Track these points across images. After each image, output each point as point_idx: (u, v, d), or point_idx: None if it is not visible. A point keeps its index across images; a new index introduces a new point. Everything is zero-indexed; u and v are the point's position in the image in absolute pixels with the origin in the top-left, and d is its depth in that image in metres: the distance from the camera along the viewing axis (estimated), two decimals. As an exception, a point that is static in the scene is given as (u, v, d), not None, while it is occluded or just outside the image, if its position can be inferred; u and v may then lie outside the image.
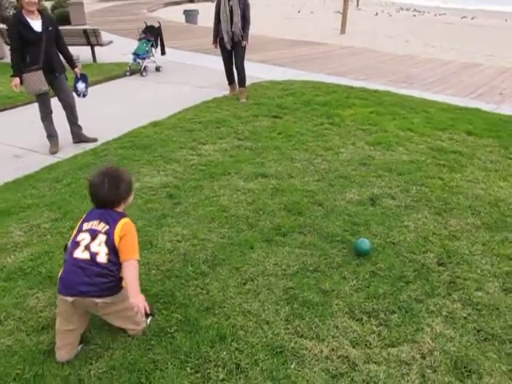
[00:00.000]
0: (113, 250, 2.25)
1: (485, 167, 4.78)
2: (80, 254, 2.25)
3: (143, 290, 2.73)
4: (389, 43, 15.37)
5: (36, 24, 4.87)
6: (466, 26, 24.87)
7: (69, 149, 5.40)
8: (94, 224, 2.32)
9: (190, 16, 19.76)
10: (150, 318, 2.52)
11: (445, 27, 23.37)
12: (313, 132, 5.69)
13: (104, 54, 10.80)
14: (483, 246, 3.35)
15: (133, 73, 9.30)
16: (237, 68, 7.34)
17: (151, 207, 3.82)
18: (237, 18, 6.90)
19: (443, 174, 4.55)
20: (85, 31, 10.39)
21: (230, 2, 6.87)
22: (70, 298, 2.23)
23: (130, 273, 2.22)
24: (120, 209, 2.43)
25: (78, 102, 5.54)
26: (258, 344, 2.37)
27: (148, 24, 9.84)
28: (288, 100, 7.12)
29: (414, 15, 31.16)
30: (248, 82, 7.48)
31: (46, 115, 5.30)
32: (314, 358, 2.30)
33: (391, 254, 3.18)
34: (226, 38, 7.01)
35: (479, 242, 3.40)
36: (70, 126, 5.56)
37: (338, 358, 2.30)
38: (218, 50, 7.41)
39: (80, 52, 9.48)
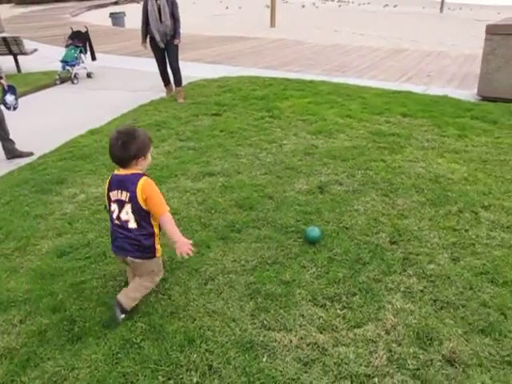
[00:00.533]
0: (139, 214, 2.52)
1: (422, 146, 4.99)
2: (116, 221, 2.58)
3: (103, 303, 2.68)
4: (318, 34, 15.70)
5: None
6: (389, 13, 25.80)
7: (2, 165, 5.11)
8: (118, 194, 2.54)
9: (117, 19, 19.27)
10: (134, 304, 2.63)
11: (369, 16, 24.15)
12: (254, 126, 5.72)
13: (29, 63, 10.33)
14: (430, 221, 3.51)
15: (63, 81, 8.96)
16: (172, 68, 7.24)
17: (100, 217, 3.71)
18: (166, 17, 6.81)
19: (385, 156, 4.71)
20: (4, 39, 9.84)
21: (158, 2, 6.76)
22: (112, 254, 2.76)
23: (168, 224, 2.56)
24: (136, 169, 2.56)
25: (8, 115, 5.28)
26: (227, 342, 2.36)
27: (74, 29, 9.50)
28: (226, 97, 7.12)
29: (340, 5, 31.97)
30: (184, 82, 7.42)
31: None
32: (284, 348, 2.32)
33: (345, 239, 3.26)
34: (157, 37, 6.90)
35: (426, 218, 3.55)
36: (2, 142, 5.28)
37: (308, 345, 2.34)
38: (150, 52, 7.28)
39: (1, 62, 9.01)
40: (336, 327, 2.45)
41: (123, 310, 2.54)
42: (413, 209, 3.69)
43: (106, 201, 2.64)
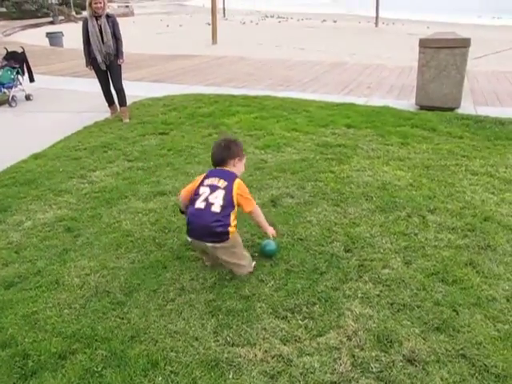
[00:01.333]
0: (228, 202, 2.89)
1: (368, 156, 5.16)
2: (198, 204, 2.89)
3: (59, 333, 2.58)
4: (260, 50, 15.97)
5: None
6: (328, 28, 26.62)
7: None
8: (215, 181, 2.95)
9: (54, 38, 18.82)
10: (254, 263, 3.09)
11: (309, 31, 24.83)
12: (202, 144, 5.71)
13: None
14: (381, 228, 3.62)
15: (0, 104, 8.62)
16: (116, 88, 7.13)
17: (50, 244, 3.57)
18: (107, 37, 6.72)
19: (333, 167, 4.83)
20: None
21: (99, 22, 6.67)
22: (189, 239, 3.02)
23: (258, 216, 3.13)
24: (233, 169, 3.08)
25: None
26: (191, 362, 2.32)
27: (9, 50, 9.17)
28: (172, 115, 7.08)
29: (279, 21, 32.68)
30: (129, 102, 7.32)
31: None
32: (249, 363, 2.31)
33: (301, 250, 3.31)
34: (99, 59, 6.79)
35: (377, 225, 3.66)
36: None
37: (273, 358, 2.34)
38: (91, 73, 7.15)
39: None
40: (299, 338, 2.48)
41: None
42: (364, 216, 3.80)
43: (194, 187, 3.01)
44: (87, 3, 6.66)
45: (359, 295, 2.82)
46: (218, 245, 2.90)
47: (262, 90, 8.76)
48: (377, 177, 4.58)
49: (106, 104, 7.41)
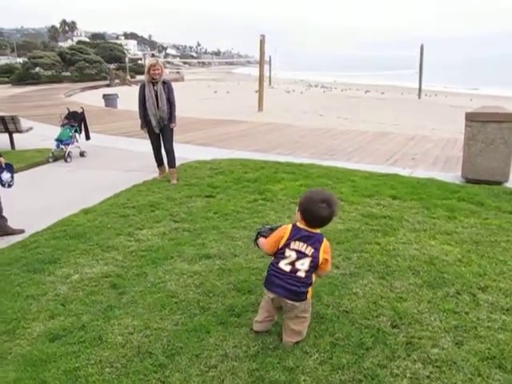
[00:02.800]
0: (313, 269, 2.91)
1: (414, 228, 5.08)
2: (283, 266, 2.90)
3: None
4: (305, 118, 16.39)
5: None
6: (371, 99, 27.15)
7: (-9, 243, 5.04)
8: (302, 247, 2.88)
9: (110, 100, 20.03)
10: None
11: (352, 101, 25.38)
12: (248, 209, 5.78)
13: (23, 141, 10.53)
14: (429, 304, 3.50)
15: (56, 159, 9.09)
16: (166, 150, 7.42)
17: (95, 299, 3.63)
18: (162, 103, 7.09)
19: (378, 238, 4.77)
20: (2, 118, 10.12)
21: (155, 87, 7.06)
22: (271, 295, 2.97)
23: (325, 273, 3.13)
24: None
25: (2, 192, 5.29)
26: None
27: (71, 110, 9.81)
28: (218, 179, 7.24)
29: (324, 91, 33.64)
30: (177, 163, 7.57)
31: None
32: None
33: (346, 323, 3.22)
34: (154, 123, 7.13)
35: (424, 300, 3.55)
36: None
37: None
38: (142, 133, 7.51)
39: (-2, 141, 9.21)
40: (345, 418, 2.37)
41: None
42: (411, 291, 3.70)
43: (280, 244, 2.94)
44: (146, 69, 7.10)
45: (408, 375, 2.69)
46: (297, 303, 2.93)
47: (307, 157, 8.90)
48: (423, 250, 4.48)
49: (155, 164, 7.68)
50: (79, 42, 61.91)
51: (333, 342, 3.01)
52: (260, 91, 18.67)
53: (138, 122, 7.35)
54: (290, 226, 2.96)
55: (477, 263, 4.21)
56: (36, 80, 39.43)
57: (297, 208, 2.99)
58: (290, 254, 2.89)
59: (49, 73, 43.24)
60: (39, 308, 3.54)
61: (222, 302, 3.51)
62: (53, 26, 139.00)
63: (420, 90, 29.53)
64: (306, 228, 2.92)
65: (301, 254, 2.87)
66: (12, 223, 5.33)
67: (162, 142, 7.42)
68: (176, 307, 3.46)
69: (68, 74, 44.49)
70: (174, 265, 4.20)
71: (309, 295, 2.97)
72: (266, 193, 6.39)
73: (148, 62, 7.38)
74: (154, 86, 7.05)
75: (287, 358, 2.84)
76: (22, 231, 5.31)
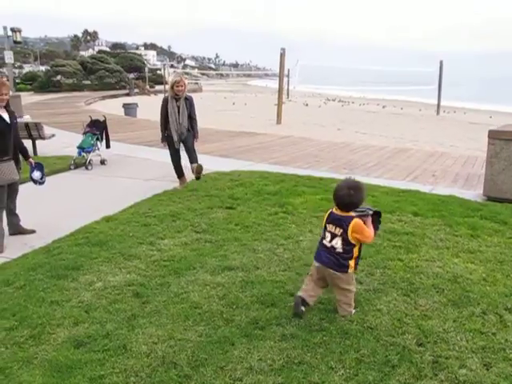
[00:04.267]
0: (347, 244, 3.38)
1: (437, 246, 5.04)
2: (326, 242, 3.47)
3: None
4: (323, 132, 16.40)
5: (5, 116, 5.08)
6: (389, 114, 27.09)
7: (15, 247, 5.09)
8: (332, 228, 3.43)
9: (130, 109, 20.29)
10: (354, 311, 3.52)
11: (370, 115, 25.33)
12: (269, 221, 5.77)
13: (45, 147, 10.71)
14: (454, 323, 3.46)
15: (77, 166, 9.21)
16: (188, 149, 7.51)
17: (119, 308, 3.65)
18: (184, 119, 7.20)
19: (401, 255, 4.73)
20: (26, 124, 10.32)
21: (177, 103, 7.17)
22: (316, 264, 3.50)
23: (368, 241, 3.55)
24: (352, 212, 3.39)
25: (25, 198, 5.41)
26: None
27: (93, 118, 9.95)
28: (238, 190, 7.25)
29: (342, 105, 33.63)
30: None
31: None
32: None
33: (371, 340, 3.20)
34: (175, 137, 7.24)
35: (450, 319, 3.50)
36: (8, 217, 5.37)
37: None
38: (160, 143, 7.62)
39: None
40: None
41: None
42: (435, 309, 3.66)
43: (322, 225, 3.56)
44: (170, 85, 7.24)
45: (436, 396, 2.66)
46: (338, 273, 3.42)
47: (326, 171, 8.89)
48: (447, 268, 4.43)
49: (175, 174, 7.74)
50: (100, 52, 63.01)
51: (358, 358, 2.98)
52: (279, 104, 18.75)
53: (157, 131, 7.46)
54: (329, 210, 3.52)
55: (502, 283, 4.15)
56: (57, 88, 40.14)
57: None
58: (327, 234, 3.47)
59: (70, 81, 44.03)
60: (63, 314, 3.57)
61: (245, 315, 3.51)
62: (75, 36, 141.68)
63: (439, 106, 29.37)
64: (337, 212, 3.43)
65: (333, 235, 3.42)
66: (35, 229, 5.43)
67: (180, 155, 7.53)
68: (200, 318, 3.47)
69: (88, 82, 45.24)
70: (196, 275, 4.21)
71: (350, 269, 3.44)
72: (286, 206, 6.38)
73: (172, 78, 7.52)
74: (176, 101, 7.16)
75: (312, 373, 2.82)
76: (33, 231, 5.49)
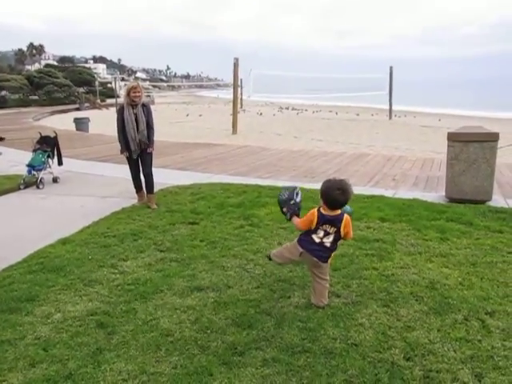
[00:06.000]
0: (336, 241, 3.75)
1: (409, 252, 4.96)
2: (315, 238, 3.71)
3: None
4: (280, 140, 16.35)
5: None
6: (342, 120, 27.49)
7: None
8: (327, 228, 3.67)
9: (81, 124, 19.61)
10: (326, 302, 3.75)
11: (324, 122, 25.61)
12: (235, 236, 5.53)
13: (-11, 167, 10.06)
14: (439, 333, 3.34)
15: (27, 186, 8.64)
16: (145, 175, 7.16)
17: (81, 341, 3.31)
18: (142, 126, 6.85)
19: (375, 263, 4.61)
20: (-31, 144, 9.67)
21: (134, 110, 6.82)
22: (301, 249, 3.77)
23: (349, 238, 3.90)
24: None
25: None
26: None
27: (43, 134, 9.43)
28: (200, 204, 6.98)
29: (297, 113, 33.89)
30: (155, 189, 7.31)
31: None
32: None
33: (358, 358, 3.02)
34: (132, 147, 6.88)
35: (434, 329, 3.39)
36: None
37: None
38: (116, 158, 7.26)
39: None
40: None
41: None
42: (418, 319, 3.54)
43: (314, 223, 3.68)
44: (125, 92, 6.87)
45: (433, 416, 2.50)
46: (320, 262, 3.73)
47: (287, 180, 8.73)
48: (423, 275, 4.35)
49: (132, 190, 7.39)
50: (47, 66, 60.86)
51: (347, 379, 2.80)
52: (234, 114, 18.60)
53: (111, 146, 7.12)
54: (316, 211, 3.67)
55: (478, 286, 4.10)
56: (2, 104, 38.41)
57: (319, 196, 3.72)
58: (320, 232, 3.69)
59: (16, 96, 42.22)
60: (17, 355, 3.18)
61: (221, 340, 3.25)
62: (20, 49, 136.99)
63: (390, 111, 30.07)
64: (328, 213, 3.65)
65: (326, 233, 3.68)
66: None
67: (140, 166, 7.17)
68: (172, 347, 3.18)
69: (36, 97, 43.57)
70: (164, 299, 3.92)
71: (330, 259, 3.83)
72: (251, 218, 6.17)
73: (128, 84, 7.15)
74: (133, 108, 6.81)
75: (300, 401, 2.61)
76: None
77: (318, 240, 3.71)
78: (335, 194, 3.57)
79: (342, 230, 3.68)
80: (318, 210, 3.69)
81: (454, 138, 7.33)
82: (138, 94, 6.75)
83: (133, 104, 6.79)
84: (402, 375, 2.84)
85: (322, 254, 3.73)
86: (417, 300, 3.84)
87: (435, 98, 63.73)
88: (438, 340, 3.24)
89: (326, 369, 2.90)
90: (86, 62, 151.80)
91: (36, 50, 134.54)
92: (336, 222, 3.66)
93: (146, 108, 6.94)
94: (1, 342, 3.33)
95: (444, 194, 7.49)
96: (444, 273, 4.39)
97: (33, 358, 3.14)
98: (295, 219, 3.88)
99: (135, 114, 6.79)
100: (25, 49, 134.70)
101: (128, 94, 6.78)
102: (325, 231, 3.68)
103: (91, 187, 8.67)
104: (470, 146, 7.16)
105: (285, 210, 3.90)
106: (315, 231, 3.70)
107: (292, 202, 3.90)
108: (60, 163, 9.37)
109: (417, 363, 2.98)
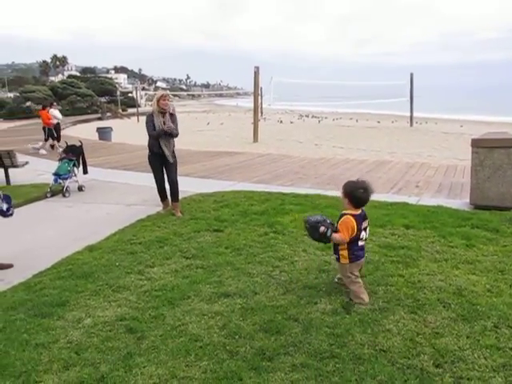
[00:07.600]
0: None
1: (434, 258, 4.92)
2: (361, 243, 3.99)
3: None
4: (301, 148, 16.37)
5: None
6: (363, 127, 27.35)
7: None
8: (366, 223, 4.01)
9: (104, 133, 19.96)
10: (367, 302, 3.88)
11: (344, 130, 25.52)
12: (260, 243, 5.56)
13: (18, 176, 10.28)
14: (468, 339, 3.31)
15: (54, 194, 8.84)
16: (170, 182, 7.25)
17: (112, 346, 3.37)
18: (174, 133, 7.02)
19: (401, 270, 4.59)
20: (-3, 153, 9.93)
21: (164, 118, 6.97)
22: (359, 262, 4.06)
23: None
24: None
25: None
26: None
27: (69, 143, 9.65)
28: (224, 212, 7.04)
29: (319, 121, 33.82)
30: (179, 196, 7.38)
31: None
32: None
33: (386, 364, 3.02)
34: (167, 152, 7.01)
35: (463, 336, 3.36)
36: None
37: None
38: (140, 166, 7.36)
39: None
40: None
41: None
42: (446, 326, 3.51)
43: (355, 230, 3.88)
44: (155, 100, 7.00)
45: (465, 423, 2.48)
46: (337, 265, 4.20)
47: (310, 188, 8.75)
48: (449, 281, 4.31)
49: (156, 197, 7.48)
50: (70, 76, 62.30)
51: (377, 386, 2.80)
52: (255, 122, 18.70)
53: (134, 155, 7.27)
54: (349, 217, 3.88)
55: (507, 293, 4.04)
56: (27, 114, 39.28)
57: (342, 196, 4.06)
58: (363, 235, 3.96)
59: (40, 107, 43.16)
60: (51, 357, 3.26)
61: (250, 345, 3.28)
62: (44, 61, 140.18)
63: (411, 117, 29.82)
64: (356, 213, 3.92)
65: (365, 230, 3.99)
66: (13, 262, 5.12)
67: (165, 174, 7.28)
68: (202, 352, 3.23)
69: (60, 107, 44.54)
70: (192, 305, 3.97)
71: (343, 259, 4.03)
72: (275, 225, 6.19)
73: (158, 92, 7.30)
74: (163, 116, 6.96)
75: (330, 407, 2.62)
76: (10, 266, 5.15)
77: (361, 243, 3.98)
78: (360, 194, 3.88)
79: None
80: (349, 215, 3.90)
81: (478, 144, 7.26)
82: (167, 102, 6.90)
83: (162, 112, 6.93)
84: (431, 382, 2.83)
85: (363, 253, 4.07)
86: (444, 307, 3.81)
87: (455, 103, 63.00)
88: (467, 347, 3.21)
89: (354, 374, 2.90)
90: (107, 72, 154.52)
91: (59, 62, 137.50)
92: (366, 215, 4.03)
93: (173, 117, 7.08)
94: (35, 345, 3.42)
95: (468, 200, 7.40)
96: (471, 279, 4.34)
97: (66, 361, 3.22)
98: (335, 235, 3.94)
99: (164, 122, 6.93)
100: (49, 60, 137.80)
101: (158, 101, 6.92)
102: (364, 230, 3.96)
103: (116, 195, 8.81)
104: (495, 152, 7.08)
105: (322, 229, 3.89)
106: (359, 236, 3.92)
107: (328, 221, 4.01)
108: (85, 172, 9.57)
109: (447, 370, 2.96)
